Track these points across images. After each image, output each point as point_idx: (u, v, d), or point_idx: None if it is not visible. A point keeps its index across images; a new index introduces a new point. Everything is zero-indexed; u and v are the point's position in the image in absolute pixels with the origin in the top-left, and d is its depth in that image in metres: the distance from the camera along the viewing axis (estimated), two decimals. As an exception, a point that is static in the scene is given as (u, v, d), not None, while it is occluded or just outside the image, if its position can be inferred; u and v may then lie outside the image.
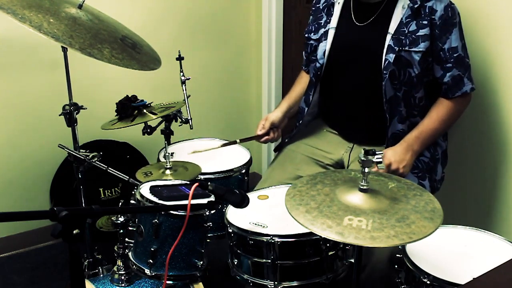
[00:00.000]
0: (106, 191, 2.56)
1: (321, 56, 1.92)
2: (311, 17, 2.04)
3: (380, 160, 1.33)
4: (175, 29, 2.73)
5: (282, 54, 3.00)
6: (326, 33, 1.92)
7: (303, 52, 2.11)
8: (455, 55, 1.76)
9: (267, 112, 3.02)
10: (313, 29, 1.99)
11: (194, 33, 2.81)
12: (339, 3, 1.92)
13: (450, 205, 1.83)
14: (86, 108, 1.98)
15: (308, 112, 2.05)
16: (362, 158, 1.31)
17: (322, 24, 1.95)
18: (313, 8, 2.03)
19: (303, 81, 2.14)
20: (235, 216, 1.65)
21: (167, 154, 1.87)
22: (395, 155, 1.76)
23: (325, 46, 1.91)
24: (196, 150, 2.02)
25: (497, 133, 1.98)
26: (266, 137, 2.05)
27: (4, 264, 2.49)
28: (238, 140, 2.05)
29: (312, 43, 2.00)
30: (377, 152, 1.32)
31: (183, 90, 1.90)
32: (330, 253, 1.56)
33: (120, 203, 1.72)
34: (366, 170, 1.32)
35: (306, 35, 2.03)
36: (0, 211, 1.00)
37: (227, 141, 2.12)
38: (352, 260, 1.58)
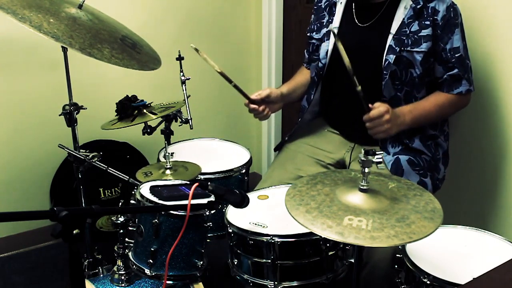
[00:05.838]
0: (106, 191, 2.56)
1: (323, 56, 1.92)
2: (313, 16, 2.03)
3: (380, 160, 1.33)
4: (175, 29, 2.73)
5: (282, 54, 3.00)
6: (328, 33, 1.92)
7: (305, 50, 2.10)
8: (456, 55, 1.76)
9: (267, 112, 3.02)
10: (315, 28, 1.99)
11: (194, 33, 2.81)
12: (341, 3, 1.91)
13: (450, 205, 1.83)
14: (86, 108, 1.98)
15: (309, 110, 2.04)
16: (362, 158, 1.31)
17: (324, 24, 1.94)
18: (315, 7, 2.03)
19: (303, 73, 2.13)
20: (235, 216, 1.65)
21: (167, 154, 1.87)
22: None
23: (328, 46, 1.91)
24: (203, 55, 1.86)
25: (498, 133, 1.98)
26: (254, 106, 1.93)
27: (4, 264, 2.49)
28: (234, 83, 1.89)
29: (314, 42, 1.99)
30: (377, 152, 1.32)
31: (183, 90, 1.90)
32: (330, 253, 1.56)
33: (120, 203, 1.72)
34: (366, 170, 1.32)
35: (308, 34, 2.02)
36: (0, 211, 1.00)
37: (228, 77, 1.90)
38: (352, 260, 1.57)
